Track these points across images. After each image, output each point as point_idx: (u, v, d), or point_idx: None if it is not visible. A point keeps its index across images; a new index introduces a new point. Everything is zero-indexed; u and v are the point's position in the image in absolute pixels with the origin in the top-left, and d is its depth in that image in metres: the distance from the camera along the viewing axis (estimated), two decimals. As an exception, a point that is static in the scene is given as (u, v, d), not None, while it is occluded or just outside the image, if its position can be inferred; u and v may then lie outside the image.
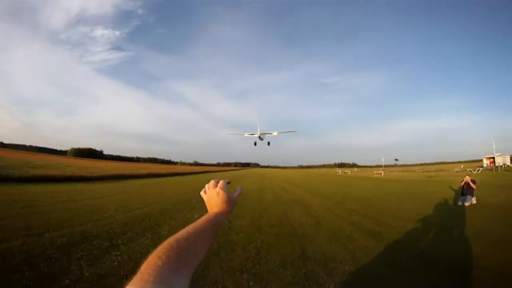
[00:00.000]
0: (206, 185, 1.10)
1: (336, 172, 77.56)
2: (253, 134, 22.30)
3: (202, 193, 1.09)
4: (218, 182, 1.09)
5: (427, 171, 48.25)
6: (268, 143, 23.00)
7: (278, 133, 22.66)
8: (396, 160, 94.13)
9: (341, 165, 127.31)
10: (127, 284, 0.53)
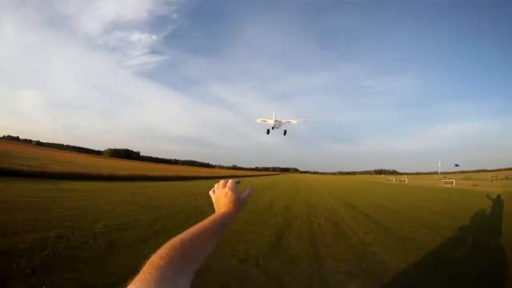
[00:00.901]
0: (216, 185, 1.09)
1: (389, 180, 67.22)
2: (265, 121, 18.69)
3: (211, 192, 1.08)
4: (227, 182, 1.08)
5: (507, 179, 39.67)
6: (285, 132, 19.32)
7: (299, 121, 18.89)
8: (457, 165, 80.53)
9: (381, 172, 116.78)
10: (128, 284, 0.56)
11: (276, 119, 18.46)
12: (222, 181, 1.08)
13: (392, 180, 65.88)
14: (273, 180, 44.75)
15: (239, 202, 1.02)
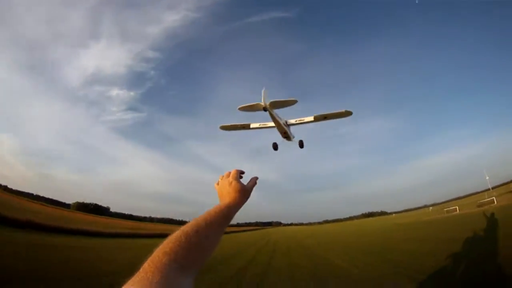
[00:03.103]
0: (220, 176, 1.07)
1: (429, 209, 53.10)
2: (266, 125, 12.33)
3: (215, 184, 1.05)
4: (231, 172, 1.05)
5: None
6: (301, 145, 12.76)
7: (316, 117, 11.67)
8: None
9: (370, 215, 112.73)
10: (128, 282, 0.52)
11: (284, 121, 11.69)
12: (226, 172, 1.05)
13: (429, 209, 53.33)
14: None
15: (244, 192, 0.97)
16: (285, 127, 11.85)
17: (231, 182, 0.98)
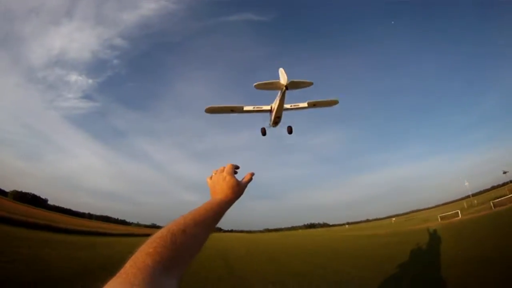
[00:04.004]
0: (213, 171, 1.02)
1: (392, 221, 54.17)
2: (260, 108, 11.60)
3: (207, 179, 0.99)
4: (225, 167, 1.01)
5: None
6: (290, 130, 12.20)
7: (309, 103, 11.59)
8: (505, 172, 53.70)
9: (311, 226, 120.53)
10: (108, 282, 0.48)
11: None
12: (221, 167, 1.01)
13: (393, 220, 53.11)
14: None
15: (238, 189, 0.94)
16: (281, 113, 11.70)
17: (225, 177, 0.94)
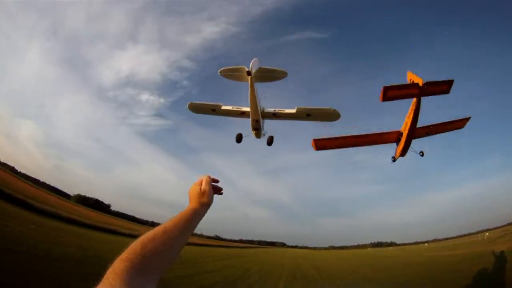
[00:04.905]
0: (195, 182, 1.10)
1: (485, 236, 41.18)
2: (239, 109, 10.09)
3: (189, 188, 1.07)
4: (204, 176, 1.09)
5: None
6: (270, 141, 10.53)
7: (299, 109, 9.58)
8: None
9: (378, 244, 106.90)
10: (98, 286, 0.60)
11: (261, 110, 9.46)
12: (199, 176, 1.08)
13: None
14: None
15: (207, 199, 0.99)
16: (259, 116, 9.98)
17: (197, 188, 1.01)
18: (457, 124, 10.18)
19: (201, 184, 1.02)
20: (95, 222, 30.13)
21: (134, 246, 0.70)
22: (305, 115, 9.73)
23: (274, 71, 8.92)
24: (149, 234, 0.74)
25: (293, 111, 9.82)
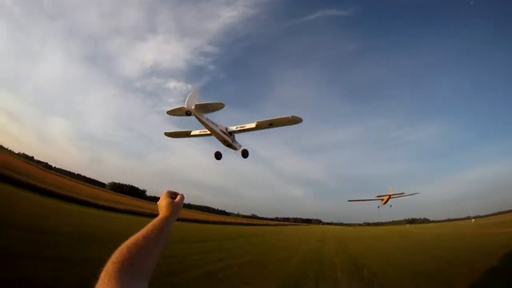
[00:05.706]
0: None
1: None
2: (206, 132, 10.63)
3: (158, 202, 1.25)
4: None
5: None
6: (245, 155, 11.04)
7: (259, 123, 9.90)
8: None
9: (412, 221, 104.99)
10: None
11: (224, 127, 10.29)
12: (164, 192, 1.27)
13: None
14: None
15: (173, 207, 1.16)
16: (224, 135, 10.25)
17: (164, 200, 1.20)
18: None
19: (165, 198, 1.20)
20: (132, 207, 33.40)
21: (121, 250, 0.78)
22: (267, 125, 9.98)
23: (210, 104, 9.39)
24: (132, 240, 0.84)
25: (253, 125, 10.10)
